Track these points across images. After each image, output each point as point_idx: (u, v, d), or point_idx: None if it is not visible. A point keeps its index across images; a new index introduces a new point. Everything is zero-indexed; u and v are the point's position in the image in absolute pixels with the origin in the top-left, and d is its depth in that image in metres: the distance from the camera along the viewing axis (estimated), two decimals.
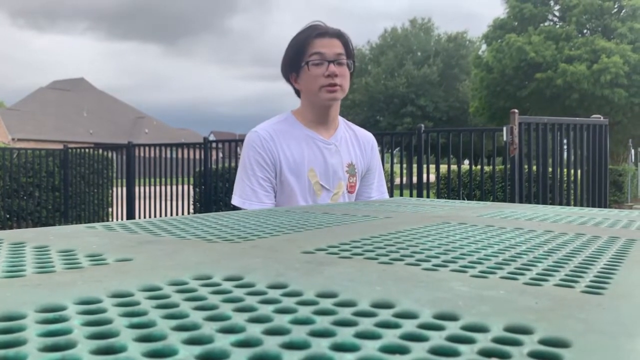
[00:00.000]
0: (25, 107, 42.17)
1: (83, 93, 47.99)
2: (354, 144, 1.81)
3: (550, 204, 4.61)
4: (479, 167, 6.71)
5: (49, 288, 0.40)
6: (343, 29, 1.72)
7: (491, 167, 6.77)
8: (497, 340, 0.31)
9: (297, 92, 1.77)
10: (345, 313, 0.35)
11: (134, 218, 9.26)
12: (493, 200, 5.78)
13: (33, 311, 0.34)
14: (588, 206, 4.98)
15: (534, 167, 4.52)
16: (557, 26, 22.68)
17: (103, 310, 0.35)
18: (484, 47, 26.32)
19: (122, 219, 9.42)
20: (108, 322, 0.32)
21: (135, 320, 0.33)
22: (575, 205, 4.96)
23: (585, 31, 22.51)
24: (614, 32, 21.08)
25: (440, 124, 31.50)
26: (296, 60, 1.69)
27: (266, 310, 0.36)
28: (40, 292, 0.39)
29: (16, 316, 0.33)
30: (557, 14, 23.53)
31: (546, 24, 23.36)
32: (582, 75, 19.96)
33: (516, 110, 4.04)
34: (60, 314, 0.33)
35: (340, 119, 1.82)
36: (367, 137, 1.88)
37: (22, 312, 0.34)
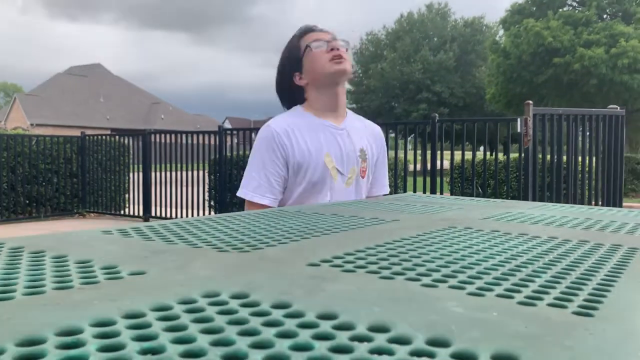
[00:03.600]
0: (43, 92, 42.64)
1: (99, 79, 48.36)
2: (363, 132, 1.88)
3: (564, 195, 4.59)
4: (493, 156, 6.68)
5: (68, 308, 0.43)
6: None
7: (505, 157, 6.73)
8: None
9: (299, 96, 1.82)
10: (343, 338, 0.38)
11: (150, 204, 9.37)
12: (507, 191, 5.77)
13: (52, 334, 0.37)
14: (602, 199, 4.94)
15: (548, 158, 4.49)
16: (577, 11, 22.31)
17: (117, 334, 0.37)
18: (501, 32, 26.01)
19: (138, 205, 9.54)
20: (121, 347, 0.35)
21: (147, 345, 0.35)
22: (589, 197, 4.93)
23: (605, 16, 22.13)
24: (633, 17, 20.69)
25: (456, 111, 31.28)
26: (296, 56, 1.77)
27: (268, 333, 0.38)
28: (60, 313, 0.42)
29: (37, 340, 0.36)
30: None
31: (565, 8, 22.98)
32: (600, 59, 19.67)
33: (530, 102, 4.01)
34: (77, 338, 0.36)
35: (348, 111, 1.88)
36: (377, 129, 1.96)
37: (43, 335, 0.36)
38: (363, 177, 1.81)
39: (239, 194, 1.73)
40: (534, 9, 23.34)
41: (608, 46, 19.97)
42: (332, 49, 1.72)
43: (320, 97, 1.77)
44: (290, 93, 1.82)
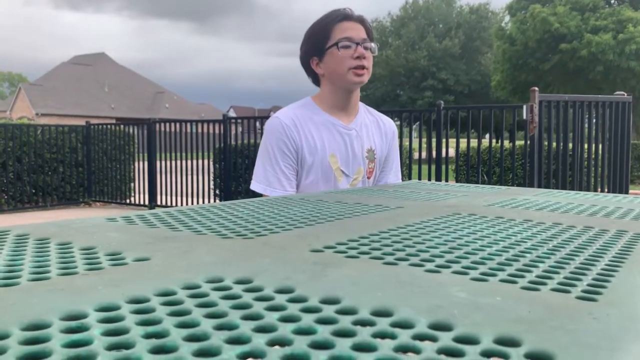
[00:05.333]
0: (48, 82, 42.66)
1: (104, 68, 48.32)
2: (374, 129, 1.83)
3: (570, 182, 4.57)
4: (499, 144, 6.65)
5: (72, 293, 0.43)
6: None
7: (511, 144, 6.70)
8: (485, 354, 0.33)
9: (315, 79, 1.78)
10: (346, 322, 0.38)
11: (156, 192, 9.40)
12: (512, 178, 5.75)
13: (57, 319, 0.37)
14: (608, 186, 4.92)
15: (554, 145, 4.47)
16: None
17: (121, 318, 0.37)
18: (507, 18, 25.82)
19: (144, 194, 9.57)
20: (125, 331, 0.35)
21: (151, 329, 0.36)
22: (595, 184, 4.91)
23: (612, 1, 21.90)
24: None
25: (461, 98, 31.13)
26: (321, 43, 1.70)
27: (271, 318, 0.38)
28: (64, 298, 0.42)
29: (42, 325, 0.36)
30: None
31: None
32: (607, 46, 19.49)
33: (536, 88, 3.99)
34: (82, 322, 0.36)
35: (361, 105, 1.83)
36: (390, 125, 1.90)
37: (47, 320, 0.37)
38: (370, 178, 1.79)
39: (256, 188, 1.69)
40: None
41: (615, 32, 19.77)
42: (358, 57, 1.66)
43: (332, 94, 1.74)
44: (307, 68, 1.78)
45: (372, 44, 1.71)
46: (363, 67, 1.68)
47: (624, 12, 19.93)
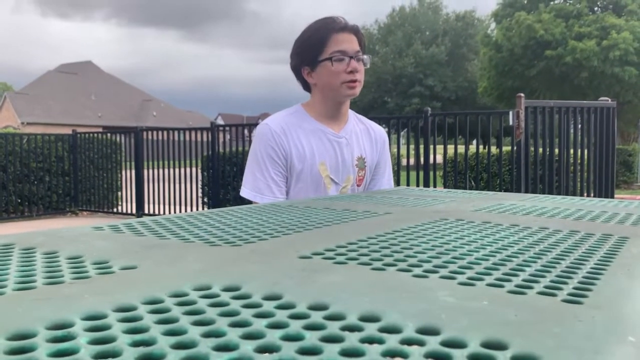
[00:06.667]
0: (34, 90, 42.32)
1: (90, 76, 48.07)
2: (364, 137, 1.83)
3: (557, 187, 4.61)
4: (485, 149, 6.71)
5: (58, 302, 0.43)
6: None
7: (498, 150, 6.76)
8: (472, 357, 0.33)
9: (306, 86, 1.78)
10: (334, 327, 0.38)
11: (143, 201, 9.34)
12: (500, 184, 5.79)
13: (43, 328, 0.37)
14: (594, 190, 4.97)
15: (540, 151, 4.51)
16: (568, 4, 22.36)
17: (108, 327, 0.37)
18: (492, 25, 26.07)
19: (131, 203, 9.51)
20: (112, 339, 0.35)
21: (138, 337, 0.35)
22: (581, 189, 4.96)
23: (596, 9, 22.20)
24: (624, 10, 20.78)
25: (448, 104, 31.31)
26: (314, 54, 1.69)
27: (259, 325, 0.38)
28: (50, 307, 0.42)
29: (28, 334, 0.36)
30: None
31: (557, 1, 23.04)
32: (592, 52, 19.75)
33: (522, 95, 4.03)
34: (68, 331, 0.36)
35: (351, 113, 1.83)
36: (380, 133, 1.90)
37: (33, 329, 0.36)
38: (359, 186, 1.79)
39: (246, 195, 1.68)
40: (526, 1, 23.38)
41: (599, 39, 20.04)
42: (351, 71, 1.66)
43: (323, 104, 1.74)
44: (298, 75, 1.77)
45: (365, 56, 1.71)
46: (355, 81, 1.68)
47: (608, 19, 20.21)
